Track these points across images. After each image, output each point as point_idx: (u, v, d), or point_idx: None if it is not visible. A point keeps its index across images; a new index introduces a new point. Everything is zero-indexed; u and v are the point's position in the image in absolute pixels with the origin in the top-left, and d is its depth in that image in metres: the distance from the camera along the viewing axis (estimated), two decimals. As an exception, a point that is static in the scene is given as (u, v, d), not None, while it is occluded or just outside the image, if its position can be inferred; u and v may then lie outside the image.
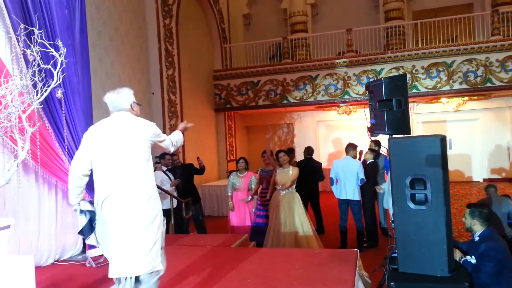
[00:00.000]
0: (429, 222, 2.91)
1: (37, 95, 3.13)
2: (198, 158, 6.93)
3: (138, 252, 2.43)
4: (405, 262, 3.00)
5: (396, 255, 3.07)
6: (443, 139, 2.97)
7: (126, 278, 2.51)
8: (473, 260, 3.14)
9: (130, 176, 2.51)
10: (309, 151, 7.56)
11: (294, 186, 5.69)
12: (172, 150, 2.95)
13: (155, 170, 6.72)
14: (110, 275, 2.46)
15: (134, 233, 2.43)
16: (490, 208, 3.16)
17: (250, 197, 6.10)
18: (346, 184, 6.06)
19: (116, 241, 2.44)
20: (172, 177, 6.35)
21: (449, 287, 2.79)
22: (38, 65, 3.15)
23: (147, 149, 2.65)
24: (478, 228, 2.99)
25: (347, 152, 6.31)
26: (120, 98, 2.70)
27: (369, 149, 6.58)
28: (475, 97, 11.87)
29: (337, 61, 11.14)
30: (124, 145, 2.55)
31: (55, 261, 3.95)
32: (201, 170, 6.80)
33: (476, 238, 3.00)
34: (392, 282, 2.88)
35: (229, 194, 6.22)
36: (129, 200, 2.47)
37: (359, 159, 6.89)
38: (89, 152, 2.58)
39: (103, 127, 2.64)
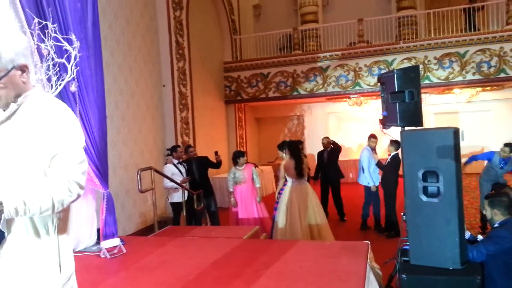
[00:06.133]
0: (441, 214, 2.91)
1: (51, 89, 3.18)
2: (216, 152, 6.96)
3: None
4: (417, 254, 3.01)
5: (407, 247, 3.08)
6: (456, 131, 2.95)
7: None
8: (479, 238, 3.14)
9: None
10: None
11: (305, 177, 5.77)
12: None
13: (165, 163, 6.81)
14: None
15: None
16: (510, 197, 3.11)
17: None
18: (363, 172, 6.85)
19: None
20: (183, 171, 6.40)
21: (461, 279, 2.79)
22: (52, 59, 3.19)
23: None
24: (500, 218, 2.96)
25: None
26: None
27: (391, 140, 6.54)
28: (488, 88, 11.70)
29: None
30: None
31: (71, 251, 4.02)
32: (217, 164, 6.85)
33: (496, 225, 2.97)
34: (404, 274, 2.90)
35: (231, 190, 6.26)
36: None
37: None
38: None
39: None
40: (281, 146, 6.06)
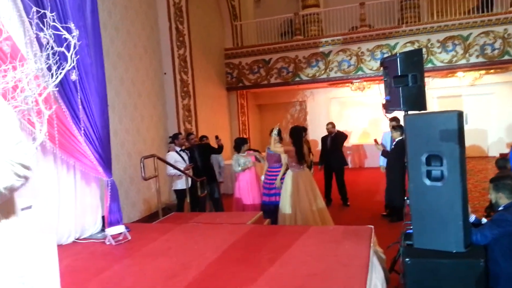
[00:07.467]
0: (445, 198, 2.91)
1: (52, 78, 3.16)
2: (216, 136, 6.98)
3: None
4: (420, 238, 3.02)
5: (411, 231, 3.09)
6: (460, 114, 2.92)
7: None
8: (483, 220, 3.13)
9: None
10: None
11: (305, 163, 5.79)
12: None
13: (168, 151, 6.83)
14: None
15: None
16: None
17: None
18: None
19: None
20: (186, 158, 6.41)
21: (465, 262, 2.80)
22: (52, 48, 3.17)
23: None
24: (504, 201, 2.95)
25: None
26: None
27: (393, 126, 6.51)
28: (491, 71, 11.59)
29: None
30: None
31: (76, 239, 4.06)
32: (219, 149, 6.88)
33: (500, 208, 2.96)
34: (407, 257, 2.91)
35: (240, 169, 6.27)
36: None
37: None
38: None
39: None
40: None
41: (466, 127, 2.95)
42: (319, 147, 8.27)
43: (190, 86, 9.22)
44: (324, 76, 11.23)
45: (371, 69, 10.80)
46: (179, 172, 6.06)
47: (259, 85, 11.87)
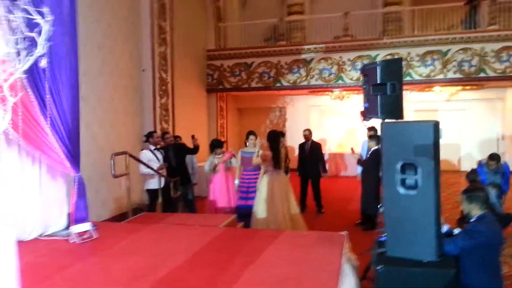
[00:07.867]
0: (419, 207, 2.89)
1: (20, 63, 3.00)
2: (193, 136, 6.84)
3: None
4: (393, 246, 3.00)
5: (384, 239, 3.06)
6: (436, 124, 2.92)
7: None
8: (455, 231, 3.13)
9: None
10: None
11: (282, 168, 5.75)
12: None
13: (142, 149, 6.66)
14: None
15: None
16: (486, 192, 3.11)
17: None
18: None
19: None
20: (160, 157, 6.26)
21: (436, 271, 2.79)
22: (22, 32, 3.01)
23: None
24: (477, 212, 2.96)
25: None
26: None
27: (370, 136, 6.56)
28: (468, 87, 11.88)
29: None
30: None
31: (39, 236, 3.87)
32: (194, 150, 6.75)
33: (472, 219, 2.97)
34: (379, 265, 2.87)
35: (208, 168, 6.21)
36: None
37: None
38: None
39: None
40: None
41: (440, 141, 2.96)
42: (296, 153, 8.25)
43: (169, 85, 9.07)
44: (305, 83, 11.25)
45: (351, 79, 10.89)
46: (152, 171, 5.91)
47: (239, 89, 11.80)
